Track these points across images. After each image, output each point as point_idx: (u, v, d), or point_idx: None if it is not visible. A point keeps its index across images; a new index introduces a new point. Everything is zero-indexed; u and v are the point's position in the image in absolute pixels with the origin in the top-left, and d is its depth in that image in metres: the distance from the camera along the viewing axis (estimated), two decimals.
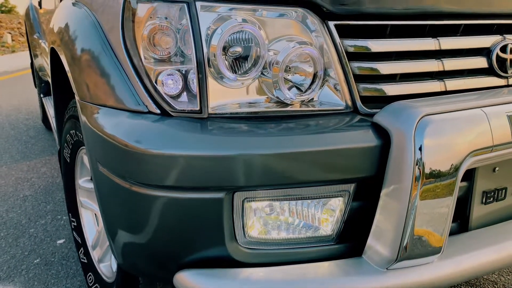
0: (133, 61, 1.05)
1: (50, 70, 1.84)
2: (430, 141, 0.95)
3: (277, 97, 1.06)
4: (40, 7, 2.92)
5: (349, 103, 1.08)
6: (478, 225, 1.19)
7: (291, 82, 1.07)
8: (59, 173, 3.06)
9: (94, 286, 1.66)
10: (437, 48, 1.15)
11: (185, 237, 1.00)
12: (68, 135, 1.65)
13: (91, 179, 1.35)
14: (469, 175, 1.12)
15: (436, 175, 0.96)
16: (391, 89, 1.10)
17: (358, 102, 1.08)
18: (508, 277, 1.86)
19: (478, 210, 1.17)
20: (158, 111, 1.02)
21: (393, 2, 1.07)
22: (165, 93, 1.03)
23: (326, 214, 1.06)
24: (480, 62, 1.21)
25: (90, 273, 1.72)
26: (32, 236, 2.26)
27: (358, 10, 1.04)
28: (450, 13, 1.15)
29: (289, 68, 1.06)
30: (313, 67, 1.06)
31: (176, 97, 1.03)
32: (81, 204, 1.79)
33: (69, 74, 1.32)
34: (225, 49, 1.00)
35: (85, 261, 1.74)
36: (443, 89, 1.16)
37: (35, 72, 4.15)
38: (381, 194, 1.00)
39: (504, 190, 1.20)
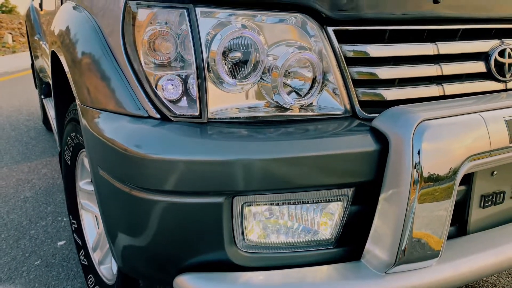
0: (133, 66, 1.05)
1: (50, 73, 1.85)
2: (428, 146, 0.95)
3: (277, 102, 1.06)
4: (41, 9, 2.93)
5: (348, 107, 1.09)
6: (476, 228, 1.19)
7: (290, 86, 1.08)
8: (60, 174, 3.07)
9: None
10: (436, 52, 1.15)
11: (184, 241, 1.01)
12: (68, 137, 1.66)
13: (91, 181, 1.35)
14: (468, 179, 1.13)
15: (434, 180, 0.97)
16: (389, 93, 1.11)
17: (357, 107, 1.09)
18: (507, 278, 1.87)
19: (476, 214, 1.18)
20: (158, 116, 1.03)
21: (391, 7, 1.08)
22: (165, 98, 1.03)
23: (325, 218, 1.07)
24: (478, 66, 1.22)
25: (90, 275, 1.72)
26: (33, 238, 2.27)
27: (356, 16, 1.05)
28: (448, 18, 1.15)
29: (288, 73, 1.07)
30: (312, 72, 1.06)
31: (176, 101, 1.04)
32: (81, 206, 1.80)
33: (69, 78, 1.32)
34: (224, 54, 1.01)
35: (86, 263, 1.75)
36: (442, 94, 1.17)
37: (36, 73, 4.16)
38: (380, 198, 1.01)
39: (502, 194, 1.20)
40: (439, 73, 1.16)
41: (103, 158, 1.08)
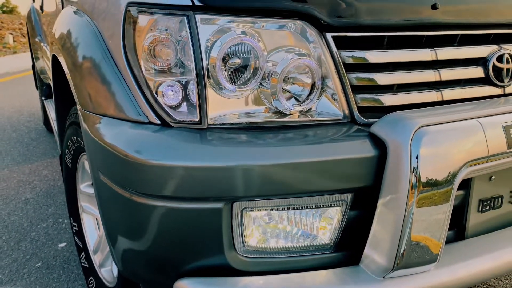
0: (134, 72, 1.06)
1: (51, 77, 1.86)
2: (426, 152, 0.96)
3: (276, 107, 1.07)
4: (42, 11, 2.94)
5: (347, 113, 1.10)
6: (475, 233, 1.20)
7: (290, 92, 1.09)
8: (61, 176, 3.08)
9: None
10: (434, 58, 1.16)
11: (184, 246, 1.02)
12: (69, 141, 1.67)
13: (92, 184, 1.36)
14: (466, 183, 1.13)
15: (432, 186, 0.98)
16: (388, 99, 1.12)
17: (356, 112, 1.10)
18: (506, 281, 1.88)
19: (474, 218, 1.19)
20: (158, 122, 1.04)
21: (390, 14, 1.09)
22: (165, 104, 1.04)
23: (324, 223, 1.08)
24: (476, 71, 1.23)
25: (91, 278, 1.73)
26: (34, 240, 2.28)
27: (355, 22, 1.05)
28: (446, 24, 1.16)
29: (288, 78, 1.08)
30: (311, 78, 1.07)
31: (176, 107, 1.05)
32: (82, 209, 1.80)
33: (70, 83, 1.33)
34: (224, 60, 1.02)
35: (86, 265, 1.76)
36: (440, 99, 1.18)
37: (37, 74, 4.17)
38: (378, 203, 1.02)
39: (500, 198, 1.21)
40: (438, 79, 1.17)
41: (103, 163, 1.09)
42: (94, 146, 1.13)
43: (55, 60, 1.70)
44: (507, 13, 1.25)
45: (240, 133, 1.02)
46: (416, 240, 1.01)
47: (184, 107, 1.04)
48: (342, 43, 1.08)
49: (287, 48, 1.06)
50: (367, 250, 1.05)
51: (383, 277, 1.03)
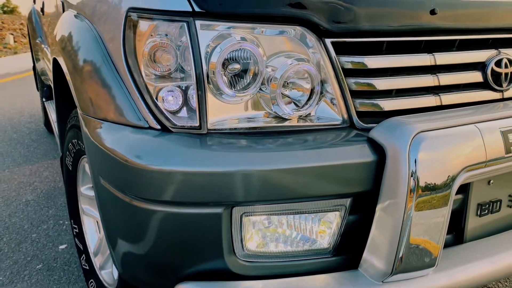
0: (134, 77, 1.07)
1: (52, 80, 1.87)
2: (424, 158, 0.96)
3: (275, 112, 1.08)
4: (43, 13, 2.95)
5: (346, 118, 1.11)
6: (473, 237, 1.21)
7: (289, 97, 1.09)
8: (61, 177, 3.09)
9: None
10: (433, 63, 1.17)
11: (184, 251, 1.03)
12: (70, 143, 1.67)
13: (92, 187, 1.37)
14: (464, 187, 1.14)
15: (430, 191, 0.98)
16: (387, 104, 1.12)
17: (355, 117, 1.10)
18: (506, 283, 1.88)
19: (473, 222, 1.19)
20: (159, 127, 1.05)
21: (388, 19, 1.09)
22: (165, 109, 1.05)
23: (323, 227, 1.08)
24: (475, 76, 1.23)
25: (91, 280, 1.74)
26: (35, 241, 2.29)
27: (354, 28, 1.06)
28: (445, 29, 1.17)
29: (287, 83, 1.08)
30: (310, 83, 1.08)
31: (176, 112, 1.05)
32: (83, 211, 1.81)
33: (71, 87, 1.34)
34: (224, 65, 1.03)
35: (87, 267, 1.77)
36: (439, 104, 1.18)
37: (37, 75, 4.18)
38: (377, 208, 1.02)
39: (498, 203, 1.22)
40: (436, 84, 1.18)
41: (104, 168, 1.10)
42: (94, 150, 1.14)
43: (55, 63, 1.71)
44: (506, 18, 1.25)
45: (240, 138, 1.03)
46: (414, 244, 1.02)
47: (184, 112, 1.05)
48: (341, 49, 1.08)
49: (286, 53, 1.07)
50: (366, 254, 1.06)
51: (382, 282, 1.04)
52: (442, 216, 1.03)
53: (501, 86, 1.26)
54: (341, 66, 1.08)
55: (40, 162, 3.50)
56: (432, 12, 1.13)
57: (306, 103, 1.09)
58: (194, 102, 1.03)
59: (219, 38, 1.02)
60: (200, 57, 1.01)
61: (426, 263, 1.06)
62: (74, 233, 1.87)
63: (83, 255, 1.80)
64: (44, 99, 3.77)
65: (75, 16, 1.49)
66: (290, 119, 1.09)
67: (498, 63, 1.25)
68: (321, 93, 1.10)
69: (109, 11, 1.20)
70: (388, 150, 1.00)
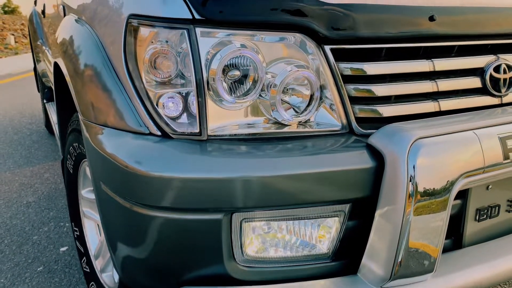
0: (135, 83, 1.08)
1: (53, 82, 1.88)
2: (422, 165, 0.97)
3: (275, 118, 1.09)
4: (44, 16, 2.95)
5: (345, 124, 1.11)
6: (472, 242, 1.21)
7: (288, 103, 1.10)
8: (62, 179, 3.09)
9: None
10: (432, 69, 1.17)
11: (184, 256, 1.03)
12: (71, 147, 1.68)
13: (93, 191, 1.38)
14: (463, 192, 1.14)
15: (428, 198, 0.99)
16: (386, 110, 1.13)
17: (354, 123, 1.11)
18: (505, 286, 1.89)
19: (471, 227, 1.20)
20: (159, 133, 1.05)
21: (387, 26, 1.10)
22: (166, 115, 1.06)
23: (323, 232, 1.09)
24: (474, 82, 1.24)
25: (92, 282, 1.75)
26: (36, 243, 2.29)
27: (353, 35, 1.07)
28: (444, 35, 1.17)
29: (287, 90, 1.09)
30: (309, 90, 1.09)
31: (176, 118, 1.06)
32: (83, 214, 1.82)
33: (72, 92, 1.35)
34: (224, 72, 1.03)
35: (88, 270, 1.78)
36: (438, 109, 1.19)
37: (38, 77, 4.19)
38: (375, 214, 1.03)
39: (497, 207, 1.22)
40: (435, 89, 1.18)
41: (104, 173, 1.11)
42: (95, 156, 1.14)
43: (57, 68, 1.72)
44: (504, 23, 1.26)
45: (240, 144, 1.04)
46: (413, 250, 1.03)
47: (184, 119, 1.06)
48: (340, 55, 1.09)
49: (286, 60, 1.07)
50: (365, 260, 1.07)
51: (381, 287, 1.04)
52: (440, 221, 1.04)
53: (499, 91, 1.27)
54: (340, 72, 1.09)
55: (41, 164, 3.51)
56: (431, 18, 1.13)
57: (305, 109, 1.10)
58: (194, 109, 1.04)
59: (219, 45, 1.02)
60: (200, 63, 1.02)
61: (425, 269, 1.06)
62: (75, 236, 1.88)
63: (84, 258, 1.80)
64: (45, 101, 3.78)
65: (76, 20, 1.49)
66: (289, 125, 1.10)
67: (497, 69, 1.26)
68: (321, 99, 1.10)
69: (110, 17, 1.20)
70: (386, 157, 1.00)
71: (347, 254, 1.10)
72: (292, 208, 1.02)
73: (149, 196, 0.98)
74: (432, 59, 1.18)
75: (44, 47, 3.15)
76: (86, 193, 1.77)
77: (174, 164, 0.98)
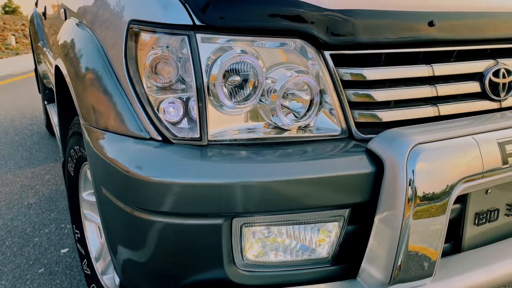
0: (136, 89, 1.08)
1: (54, 86, 1.88)
2: (421, 170, 0.98)
3: (275, 123, 1.09)
4: (45, 18, 2.96)
5: (345, 128, 1.12)
6: (471, 246, 1.22)
7: (288, 108, 1.11)
8: (63, 180, 3.10)
9: None
10: (431, 74, 1.18)
11: (184, 260, 1.04)
12: (72, 150, 1.69)
13: (94, 195, 1.38)
14: (462, 197, 1.15)
15: (427, 202, 1.00)
16: (385, 115, 1.14)
17: (353, 128, 1.12)
18: None
19: (470, 231, 1.21)
20: (160, 138, 1.06)
21: (387, 32, 1.10)
22: (167, 120, 1.06)
23: (322, 237, 1.09)
24: (473, 86, 1.25)
25: (93, 285, 1.75)
26: (37, 245, 2.30)
27: (352, 41, 1.07)
28: (443, 40, 1.18)
29: (287, 95, 1.10)
30: (309, 95, 1.09)
31: (176, 123, 1.07)
32: (84, 217, 1.83)
33: (73, 96, 1.36)
34: (224, 77, 1.04)
35: (89, 272, 1.78)
36: (437, 114, 1.19)
37: (39, 78, 4.19)
38: (375, 219, 1.04)
39: (496, 212, 1.23)
40: (434, 94, 1.19)
41: (105, 178, 1.11)
42: (96, 160, 1.15)
43: (58, 71, 1.72)
44: (503, 28, 1.27)
45: (240, 149, 1.04)
46: (412, 255, 1.03)
47: (184, 124, 1.07)
48: (340, 61, 1.10)
49: (286, 65, 1.08)
50: (364, 264, 1.07)
51: None
52: (440, 225, 1.04)
53: (498, 96, 1.27)
54: (339, 77, 1.10)
55: (42, 165, 3.52)
56: (431, 23, 1.14)
57: (305, 114, 1.10)
58: (194, 114, 1.05)
59: (220, 51, 1.03)
60: (201, 69, 1.02)
61: (424, 273, 1.07)
62: (76, 238, 1.88)
63: (85, 260, 1.81)
64: (46, 102, 3.79)
65: (77, 24, 1.50)
66: (289, 130, 1.10)
67: (496, 73, 1.26)
68: (320, 104, 1.11)
69: (111, 22, 1.21)
70: (386, 162, 1.01)
71: (347, 259, 1.11)
72: (292, 213, 1.02)
73: (150, 201, 0.99)
74: (432, 64, 1.18)
75: (45, 49, 3.15)
76: (87, 195, 1.77)
77: (175, 170, 0.98)
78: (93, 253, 1.79)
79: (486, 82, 1.25)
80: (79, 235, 1.86)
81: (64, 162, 1.86)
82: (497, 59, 1.28)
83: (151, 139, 1.06)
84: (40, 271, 2.07)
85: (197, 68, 1.02)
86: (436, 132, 1.05)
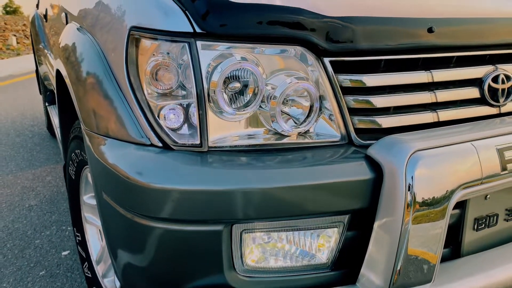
0: (137, 95, 1.09)
1: (56, 90, 1.89)
2: (421, 177, 0.98)
3: (275, 129, 1.10)
4: (46, 20, 2.97)
5: (344, 134, 1.12)
6: (470, 251, 1.22)
7: (288, 115, 1.11)
8: (64, 182, 3.11)
9: None
10: (430, 80, 1.18)
11: (185, 266, 1.05)
12: (73, 153, 1.70)
13: (95, 200, 1.39)
14: (461, 202, 1.15)
15: (427, 208, 1.00)
16: (385, 121, 1.14)
17: (353, 134, 1.12)
18: None
19: (470, 236, 1.21)
20: (160, 144, 1.06)
21: (386, 38, 1.11)
22: (167, 127, 1.07)
23: (322, 242, 1.10)
24: (472, 92, 1.25)
25: (94, 287, 1.76)
26: (38, 247, 2.31)
27: (352, 47, 1.08)
28: (442, 46, 1.18)
29: (286, 101, 1.10)
30: (309, 101, 1.10)
31: (177, 130, 1.07)
32: (85, 220, 1.83)
33: (74, 101, 1.36)
34: (224, 84, 1.05)
35: (89, 275, 1.79)
36: (436, 120, 1.20)
37: (40, 79, 4.20)
38: (374, 225, 1.04)
39: (495, 217, 1.23)
40: (434, 100, 1.19)
41: (106, 184, 1.12)
42: (97, 165, 1.16)
43: (59, 74, 1.73)
44: (502, 34, 1.27)
45: (240, 155, 1.05)
46: (411, 260, 1.04)
47: (185, 130, 1.07)
48: (339, 67, 1.10)
49: (285, 72, 1.09)
50: (363, 270, 1.08)
51: None
52: (439, 231, 1.05)
53: (498, 101, 1.28)
54: (339, 84, 1.10)
55: (43, 167, 3.53)
56: (430, 30, 1.15)
57: (305, 120, 1.11)
58: (195, 120, 1.05)
59: (220, 58, 1.04)
60: (201, 76, 1.03)
61: (423, 278, 1.07)
62: (77, 241, 1.89)
63: (86, 263, 1.82)
64: (47, 104, 3.79)
65: (78, 29, 1.51)
66: (289, 136, 1.11)
67: (495, 79, 1.27)
68: (320, 110, 1.11)
69: (112, 28, 1.22)
70: (385, 168, 1.01)
71: (346, 264, 1.12)
72: (292, 219, 1.03)
73: (150, 207, 1.00)
74: (431, 70, 1.19)
75: (46, 51, 3.16)
76: (88, 199, 1.78)
77: (175, 176, 0.99)
78: (94, 256, 1.79)
79: (485, 87, 1.26)
80: (80, 238, 1.87)
81: (65, 165, 1.87)
82: (496, 65, 1.28)
83: (152, 145, 1.07)
84: (41, 273, 2.08)
85: (198, 74, 1.03)
86: (435, 138, 1.06)
